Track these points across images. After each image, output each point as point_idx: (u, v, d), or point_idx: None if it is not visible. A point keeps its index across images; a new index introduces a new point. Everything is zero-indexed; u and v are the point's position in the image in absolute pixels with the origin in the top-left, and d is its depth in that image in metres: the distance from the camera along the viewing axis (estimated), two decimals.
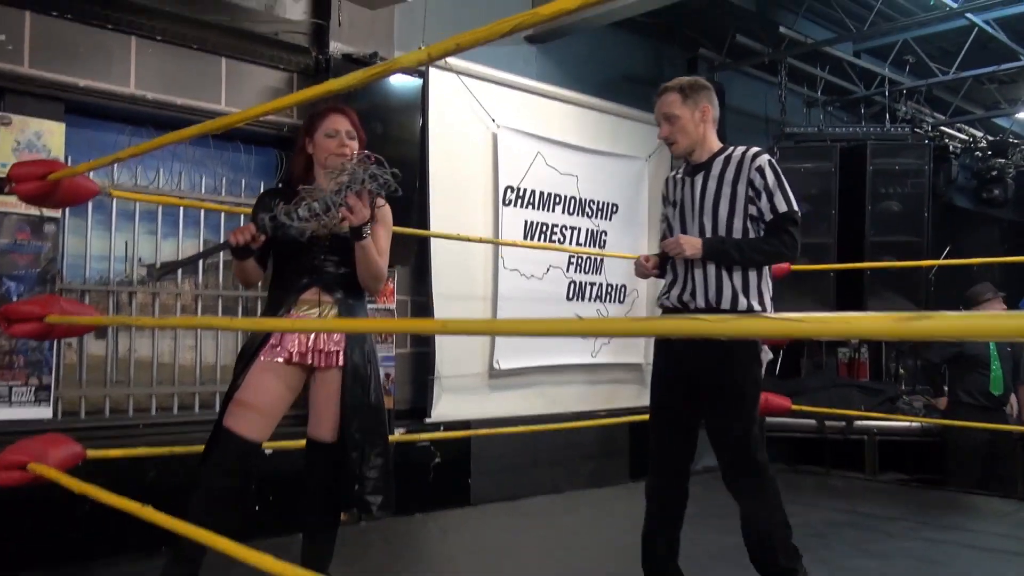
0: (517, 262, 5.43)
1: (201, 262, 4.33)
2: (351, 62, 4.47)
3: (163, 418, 4.17)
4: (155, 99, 4.12)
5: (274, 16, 4.52)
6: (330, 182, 2.59)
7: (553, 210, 5.70)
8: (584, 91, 6.02)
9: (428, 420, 4.94)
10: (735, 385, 2.75)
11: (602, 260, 6.01)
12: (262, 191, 2.85)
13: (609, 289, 6.09)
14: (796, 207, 2.78)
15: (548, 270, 5.66)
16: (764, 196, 2.75)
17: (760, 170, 2.76)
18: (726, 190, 2.78)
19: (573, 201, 5.83)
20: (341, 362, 2.68)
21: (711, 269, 2.77)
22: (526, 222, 5.51)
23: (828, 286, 6.57)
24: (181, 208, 4.27)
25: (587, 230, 5.96)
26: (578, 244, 5.86)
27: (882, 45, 6.90)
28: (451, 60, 5.08)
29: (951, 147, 8.44)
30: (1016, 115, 8.87)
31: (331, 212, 2.50)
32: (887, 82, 6.79)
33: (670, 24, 6.77)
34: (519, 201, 5.47)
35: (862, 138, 6.63)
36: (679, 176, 2.94)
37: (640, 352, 6.28)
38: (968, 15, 5.75)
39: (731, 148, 2.85)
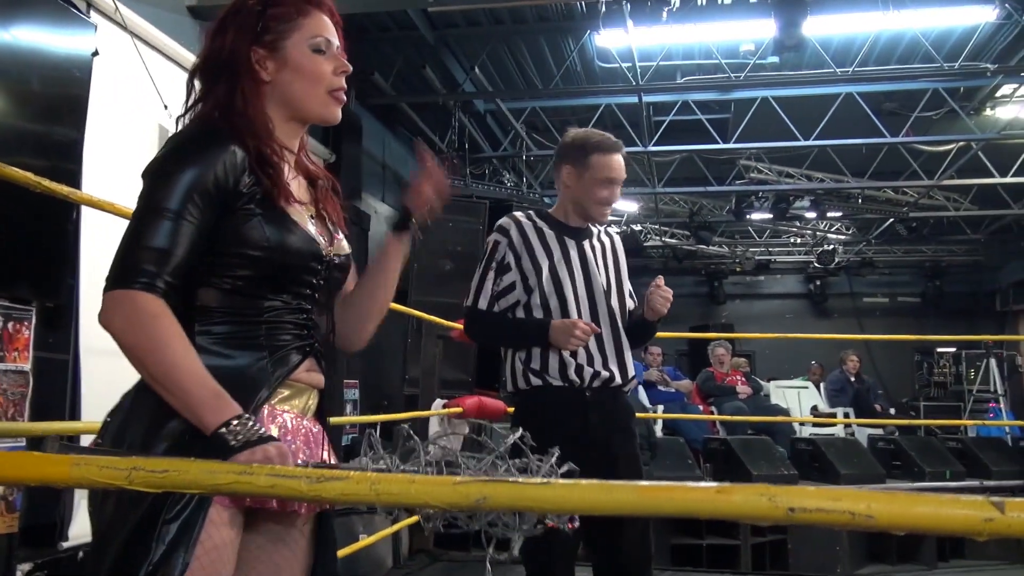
0: None
1: None
2: None
3: None
4: None
5: None
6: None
7: None
8: None
9: (65, 545, 3.19)
10: None
11: None
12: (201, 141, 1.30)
13: None
14: None
15: None
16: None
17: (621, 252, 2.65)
18: (612, 263, 2.56)
19: None
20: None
21: (619, 335, 2.48)
22: None
23: (470, 354, 6.29)
24: None
25: None
26: None
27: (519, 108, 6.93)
28: (124, 11, 3.59)
29: None
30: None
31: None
32: (524, 145, 6.82)
33: None
34: None
35: (506, 198, 6.52)
36: (547, 230, 2.46)
37: None
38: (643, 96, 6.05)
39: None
